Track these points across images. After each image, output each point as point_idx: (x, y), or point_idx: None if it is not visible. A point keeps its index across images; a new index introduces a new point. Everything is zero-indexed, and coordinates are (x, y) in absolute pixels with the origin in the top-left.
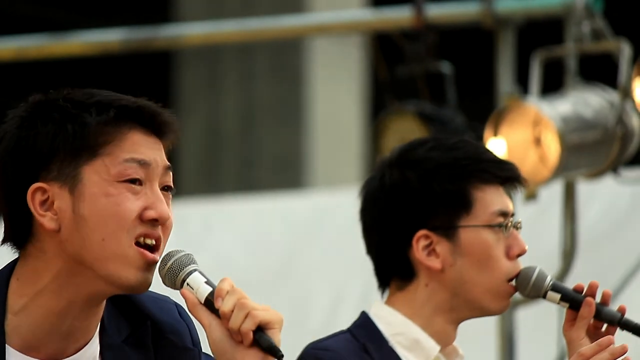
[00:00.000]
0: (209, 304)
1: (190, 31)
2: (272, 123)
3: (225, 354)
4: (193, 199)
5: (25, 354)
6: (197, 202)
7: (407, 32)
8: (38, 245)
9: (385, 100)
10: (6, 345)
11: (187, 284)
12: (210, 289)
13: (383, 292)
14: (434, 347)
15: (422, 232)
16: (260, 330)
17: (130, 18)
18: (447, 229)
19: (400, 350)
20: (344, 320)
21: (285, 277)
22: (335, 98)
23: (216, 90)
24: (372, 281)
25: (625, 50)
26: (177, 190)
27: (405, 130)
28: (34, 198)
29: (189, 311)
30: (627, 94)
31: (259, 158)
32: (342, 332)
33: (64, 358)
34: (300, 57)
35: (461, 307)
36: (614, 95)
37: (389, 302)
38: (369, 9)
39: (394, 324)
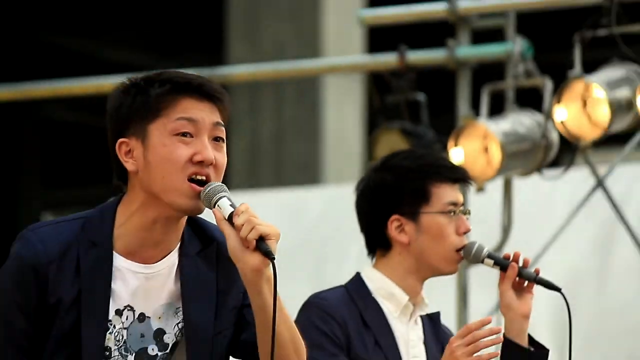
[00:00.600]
0: (230, 219)
1: (238, 71)
2: (297, 138)
3: (237, 256)
4: (240, 191)
5: (126, 257)
6: (243, 194)
7: (393, 71)
8: (130, 183)
9: (378, 121)
10: (113, 251)
11: (217, 205)
12: (232, 209)
13: (372, 259)
14: (404, 297)
15: (394, 216)
16: (262, 239)
17: (194, 60)
18: (413, 214)
19: (380, 299)
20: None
21: (307, 244)
22: (343, 119)
23: (256, 114)
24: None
25: (548, 85)
26: (228, 186)
27: (392, 142)
28: (120, 149)
29: (217, 224)
30: (549, 116)
31: (288, 163)
32: (339, 287)
33: (153, 263)
34: (317, 89)
35: (424, 269)
36: (540, 117)
37: (374, 266)
38: (366, 55)
39: (377, 281)
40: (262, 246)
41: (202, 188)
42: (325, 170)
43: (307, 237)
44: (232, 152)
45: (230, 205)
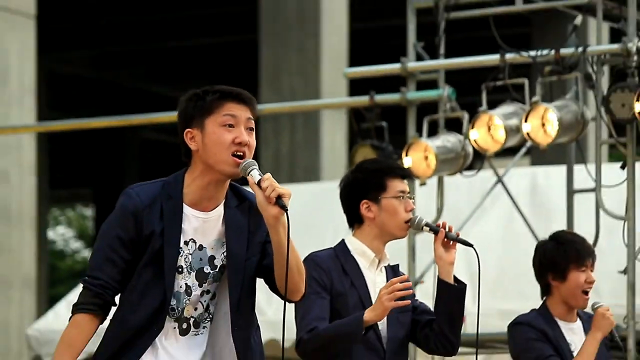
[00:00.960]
0: (258, 183)
1: (265, 107)
2: (305, 151)
3: (263, 208)
4: None
5: (191, 207)
6: None
7: (366, 107)
8: (193, 159)
9: (356, 139)
10: (183, 202)
11: (250, 174)
12: (260, 177)
13: (351, 230)
14: (371, 254)
15: (364, 201)
16: (279, 197)
17: None
18: (376, 199)
19: (356, 256)
20: None
21: (311, 226)
22: (334, 139)
23: (277, 136)
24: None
25: (465, 116)
26: None
27: (365, 154)
28: (187, 136)
29: (250, 186)
30: (466, 136)
31: (299, 168)
32: (329, 248)
33: (208, 211)
34: (318, 119)
35: (385, 235)
36: (460, 137)
37: (353, 235)
38: (349, 97)
39: (354, 244)
40: (279, 202)
41: (240, 161)
42: (323, 172)
43: (316, 212)
44: (262, 161)
45: (259, 174)
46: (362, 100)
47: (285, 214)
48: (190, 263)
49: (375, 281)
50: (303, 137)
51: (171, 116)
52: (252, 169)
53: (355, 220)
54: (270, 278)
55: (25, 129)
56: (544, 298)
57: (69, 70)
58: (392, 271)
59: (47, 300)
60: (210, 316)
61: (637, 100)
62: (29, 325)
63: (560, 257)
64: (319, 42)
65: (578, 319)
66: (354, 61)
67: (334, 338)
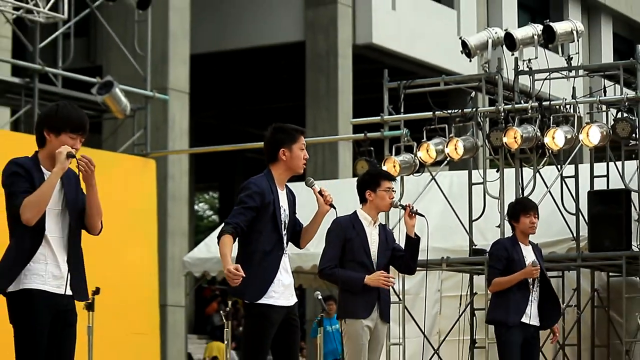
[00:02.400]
0: (320, 192)
1: (308, 140)
2: (329, 163)
3: (321, 205)
4: None
5: (278, 187)
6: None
7: (363, 139)
8: (277, 163)
9: (357, 156)
10: (276, 184)
11: (313, 186)
12: (319, 188)
13: (361, 205)
14: (370, 219)
15: (367, 191)
16: (331, 202)
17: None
18: (374, 190)
19: (361, 219)
20: None
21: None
22: (345, 156)
23: (317, 155)
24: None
25: (414, 145)
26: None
27: (362, 164)
28: (283, 152)
29: (314, 193)
30: (415, 155)
31: (325, 173)
32: (347, 215)
33: (283, 190)
34: (336, 146)
35: (378, 209)
36: (412, 155)
37: (361, 208)
38: (353, 134)
39: (361, 213)
40: (331, 204)
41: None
42: (340, 174)
43: (337, 195)
44: (307, 168)
45: (318, 186)
46: (360, 136)
47: (334, 209)
48: (283, 217)
49: (371, 233)
50: (329, 156)
51: (259, 145)
52: (314, 184)
53: (362, 200)
54: (296, 236)
55: (183, 151)
56: (513, 232)
57: (206, 121)
58: (382, 227)
59: (194, 242)
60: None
61: (504, 136)
62: (184, 255)
63: (515, 209)
64: (337, 106)
65: (529, 244)
66: (355, 115)
67: (343, 281)
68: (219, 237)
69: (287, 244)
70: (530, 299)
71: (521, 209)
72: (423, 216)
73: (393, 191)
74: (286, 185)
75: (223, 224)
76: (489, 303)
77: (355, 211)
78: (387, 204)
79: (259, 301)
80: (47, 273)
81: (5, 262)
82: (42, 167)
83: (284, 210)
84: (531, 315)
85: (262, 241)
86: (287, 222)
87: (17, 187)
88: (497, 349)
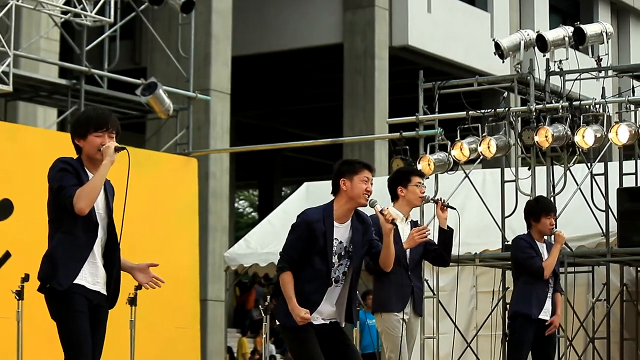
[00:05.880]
0: (381, 211)
1: (345, 139)
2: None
3: (383, 224)
4: None
5: (337, 221)
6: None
7: (399, 139)
8: (340, 194)
9: (393, 155)
10: (333, 219)
11: (375, 206)
12: (380, 208)
13: (392, 202)
14: (401, 215)
15: (399, 187)
16: (393, 220)
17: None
18: (405, 186)
19: (395, 213)
20: None
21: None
22: (381, 155)
23: (354, 153)
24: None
25: (448, 144)
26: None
27: (398, 163)
28: (343, 182)
29: (376, 213)
30: (450, 153)
31: None
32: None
33: (342, 223)
34: (373, 145)
35: (410, 205)
36: (446, 153)
37: (393, 205)
38: (389, 134)
39: (393, 211)
40: (393, 222)
41: (367, 198)
42: (375, 173)
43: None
44: None
45: (380, 206)
46: (396, 135)
47: (394, 227)
48: (339, 250)
49: (404, 229)
50: (365, 155)
51: (298, 144)
52: (376, 204)
53: (394, 197)
54: (374, 259)
55: (224, 150)
56: (528, 230)
57: (246, 121)
58: (414, 224)
59: (234, 238)
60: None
61: (535, 135)
62: (225, 251)
63: (537, 209)
64: (373, 106)
65: (544, 242)
66: (392, 115)
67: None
68: (279, 272)
69: (343, 275)
70: (548, 293)
71: (543, 209)
72: (454, 209)
73: (423, 186)
74: (357, 215)
75: (281, 253)
76: (512, 296)
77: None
78: (419, 198)
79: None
80: (84, 270)
81: (62, 259)
82: (86, 169)
83: (340, 242)
84: (546, 310)
85: (307, 274)
86: (342, 253)
87: (68, 181)
88: (508, 341)
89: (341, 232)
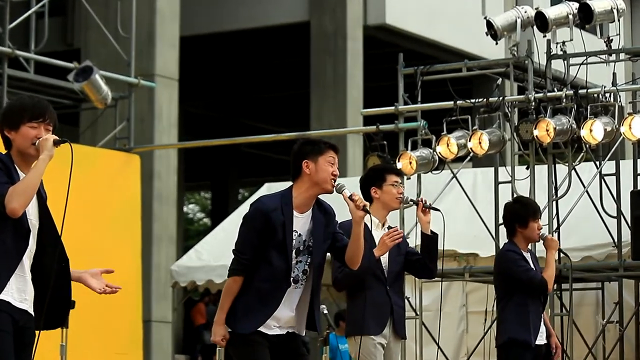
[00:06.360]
0: (350, 197)
1: (312, 133)
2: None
3: (353, 212)
4: None
5: (296, 210)
6: None
7: (374, 132)
8: (301, 179)
9: (368, 151)
10: (293, 208)
11: (343, 192)
12: (350, 193)
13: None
14: (376, 220)
15: (373, 188)
16: (364, 206)
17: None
18: (380, 186)
19: (367, 222)
20: None
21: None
22: (355, 151)
23: None
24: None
25: (433, 138)
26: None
27: (374, 160)
28: (306, 164)
29: (344, 199)
30: (434, 150)
31: None
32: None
33: (303, 213)
34: (345, 140)
35: (386, 208)
36: (430, 150)
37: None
38: (363, 127)
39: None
40: (365, 209)
41: (334, 183)
42: (347, 172)
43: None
44: None
45: (349, 191)
46: (371, 128)
47: (368, 215)
48: (297, 244)
49: (378, 235)
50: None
51: (256, 138)
52: (344, 189)
53: (368, 200)
54: (339, 255)
55: (171, 146)
56: (510, 238)
57: (197, 112)
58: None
59: (183, 249)
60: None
61: (535, 128)
62: (171, 264)
63: (523, 211)
64: (345, 95)
65: (528, 251)
66: (366, 105)
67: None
68: (229, 275)
69: (304, 275)
70: (542, 316)
71: (530, 212)
72: (438, 210)
73: (401, 186)
74: (319, 204)
75: (234, 251)
76: (501, 320)
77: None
78: (396, 200)
79: (248, 332)
80: (11, 284)
81: None
82: (16, 166)
83: (299, 235)
84: (541, 333)
85: (263, 271)
86: (301, 248)
87: None
88: None
89: (301, 223)
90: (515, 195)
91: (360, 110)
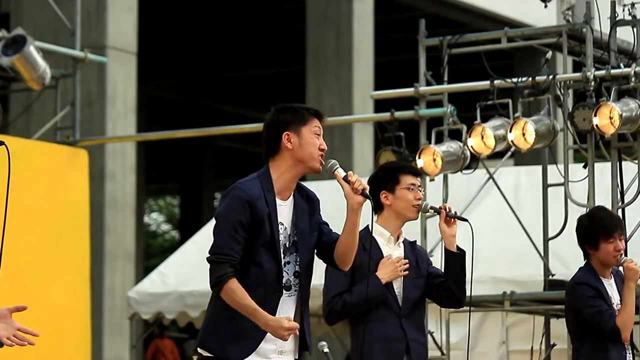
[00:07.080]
0: (344, 178)
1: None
2: (341, 154)
3: (350, 196)
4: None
5: (278, 197)
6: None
7: (388, 121)
8: (281, 155)
9: (380, 146)
10: (275, 195)
11: (336, 171)
12: (345, 173)
13: (376, 216)
14: (387, 233)
15: (383, 192)
16: (364, 189)
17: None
18: (392, 190)
19: (375, 236)
20: None
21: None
22: (362, 145)
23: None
24: None
25: (464, 128)
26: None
27: (387, 157)
28: (287, 137)
29: (338, 181)
30: (465, 143)
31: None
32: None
33: (285, 200)
34: (351, 129)
35: (401, 218)
36: (460, 143)
37: (376, 221)
38: (374, 114)
39: (375, 227)
40: (364, 193)
41: (322, 160)
42: (354, 171)
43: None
44: None
45: (343, 171)
46: (385, 115)
47: (368, 200)
48: (283, 236)
49: (393, 254)
50: (339, 144)
51: (237, 129)
52: (337, 168)
53: (377, 207)
54: (326, 252)
55: (128, 138)
56: (587, 261)
57: (161, 94)
58: (410, 246)
59: (143, 270)
60: None
61: (595, 115)
62: (129, 289)
63: (591, 230)
64: (351, 72)
65: (611, 275)
66: (378, 86)
67: (363, 302)
68: (220, 284)
69: (296, 279)
70: (627, 357)
71: (601, 232)
72: (466, 220)
73: (420, 190)
74: (299, 189)
75: (211, 257)
76: None
77: (367, 226)
78: (413, 207)
79: None
80: None
81: None
82: None
83: (285, 228)
84: None
85: (252, 276)
86: (288, 244)
87: None
88: None
89: (285, 213)
90: (569, 202)
91: (370, 93)
